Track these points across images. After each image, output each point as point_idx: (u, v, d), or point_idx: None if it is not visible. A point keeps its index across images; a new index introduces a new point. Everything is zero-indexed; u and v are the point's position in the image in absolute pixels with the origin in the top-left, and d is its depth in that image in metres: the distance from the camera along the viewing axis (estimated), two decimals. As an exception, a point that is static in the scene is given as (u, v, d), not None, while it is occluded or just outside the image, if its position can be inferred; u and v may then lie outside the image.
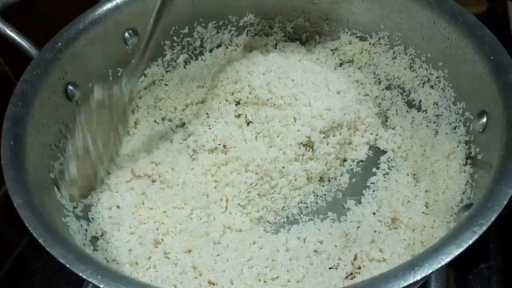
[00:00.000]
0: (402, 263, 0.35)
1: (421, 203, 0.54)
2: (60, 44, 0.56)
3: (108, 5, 0.61)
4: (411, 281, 0.33)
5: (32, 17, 0.59)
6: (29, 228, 0.39)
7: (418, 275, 0.34)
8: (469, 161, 0.53)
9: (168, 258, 0.50)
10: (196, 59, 0.72)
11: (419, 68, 0.63)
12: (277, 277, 0.48)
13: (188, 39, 0.70)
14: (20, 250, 0.62)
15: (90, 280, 0.35)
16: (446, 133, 0.58)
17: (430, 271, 0.34)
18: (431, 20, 0.58)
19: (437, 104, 0.61)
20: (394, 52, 0.66)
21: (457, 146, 0.55)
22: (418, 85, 0.63)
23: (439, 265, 0.34)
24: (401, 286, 0.33)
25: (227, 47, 0.73)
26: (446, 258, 0.35)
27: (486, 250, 0.57)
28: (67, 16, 0.58)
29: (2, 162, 0.44)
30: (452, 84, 0.58)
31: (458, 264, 0.55)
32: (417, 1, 0.59)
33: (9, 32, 0.53)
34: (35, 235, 0.38)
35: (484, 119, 0.51)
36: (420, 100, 0.63)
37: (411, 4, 0.60)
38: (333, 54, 0.71)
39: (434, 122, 0.61)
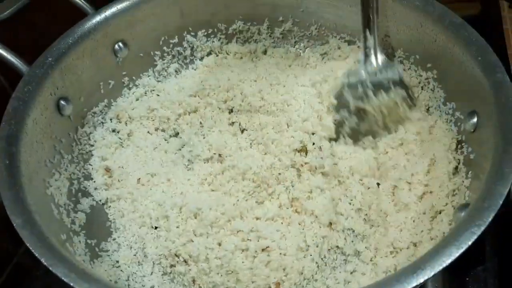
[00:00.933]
0: (404, 267, 0.36)
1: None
2: (50, 59, 0.56)
3: (97, 18, 0.61)
4: (414, 284, 0.34)
5: (22, 33, 0.58)
6: (30, 248, 0.39)
7: (421, 278, 0.34)
8: (462, 161, 0.54)
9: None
10: (187, 68, 0.72)
11: (408, 69, 0.64)
12: None
13: (178, 48, 0.71)
14: (19, 258, 0.62)
15: (95, 298, 0.35)
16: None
17: (433, 273, 0.35)
18: (418, 22, 0.59)
19: (427, 105, 0.62)
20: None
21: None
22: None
23: (441, 267, 0.35)
24: (405, 290, 0.34)
25: (217, 55, 0.73)
26: (447, 260, 0.35)
27: (482, 253, 0.57)
28: (57, 28, 0.58)
29: (-2, 182, 0.44)
30: (441, 85, 0.59)
31: (454, 267, 0.56)
32: (404, 4, 0.60)
33: (-2, 49, 0.52)
34: (37, 255, 0.38)
35: (475, 119, 0.52)
36: (411, 101, 0.64)
37: (397, 7, 0.61)
38: (323, 58, 0.72)
39: (425, 123, 0.61)
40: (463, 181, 0.52)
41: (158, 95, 0.69)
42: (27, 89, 0.52)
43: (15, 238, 0.62)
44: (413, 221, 0.53)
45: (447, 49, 0.56)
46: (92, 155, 0.62)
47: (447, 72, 0.58)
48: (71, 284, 0.36)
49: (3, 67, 0.57)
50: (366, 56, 0.62)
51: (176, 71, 0.71)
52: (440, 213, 0.53)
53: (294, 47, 0.73)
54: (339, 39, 0.70)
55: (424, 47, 0.60)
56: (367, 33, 0.61)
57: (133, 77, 0.68)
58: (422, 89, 0.63)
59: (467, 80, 0.53)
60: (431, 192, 0.55)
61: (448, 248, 0.36)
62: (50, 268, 0.37)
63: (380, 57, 0.62)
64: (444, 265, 0.35)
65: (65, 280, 0.36)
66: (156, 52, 0.69)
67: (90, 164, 0.61)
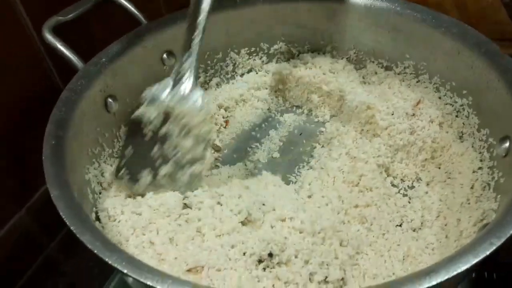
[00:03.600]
0: (419, 270, 0.36)
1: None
2: (104, 59, 0.60)
3: (150, 28, 0.66)
4: (426, 285, 0.34)
5: (82, 35, 0.64)
6: (63, 216, 0.41)
7: (434, 280, 0.34)
8: (492, 186, 0.53)
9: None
10: (228, 82, 0.76)
11: (443, 96, 0.64)
12: None
13: (221, 63, 0.75)
14: (49, 252, 0.65)
15: (115, 265, 0.37)
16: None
17: (446, 277, 0.34)
18: (455, 49, 0.60)
19: (461, 132, 0.62)
20: (419, 81, 0.67)
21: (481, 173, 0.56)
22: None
23: (455, 272, 0.34)
24: (416, 290, 0.33)
25: (257, 73, 0.76)
26: (463, 266, 0.35)
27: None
28: (113, 36, 0.63)
29: (43, 158, 0.47)
30: (476, 111, 0.59)
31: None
32: (442, 31, 0.62)
33: (59, 46, 0.57)
34: (67, 223, 0.40)
35: (507, 144, 0.51)
36: (445, 128, 0.64)
37: (435, 35, 0.62)
38: (359, 83, 0.73)
39: (458, 150, 0.61)
40: (491, 206, 0.50)
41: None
42: (80, 82, 0.57)
43: (47, 232, 0.65)
44: (439, 242, 0.53)
45: (483, 76, 0.57)
46: (130, 152, 0.65)
47: (482, 98, 0.58)
48: (95, 252, 0.38)
49: (58, 66, 0.63)
50: (175, 82, 0.56)
51: (217, 84, 0.75)
52: (466, 238, 0.52)
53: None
54: (376, 64, 0.72)
55: (460, 73, 0.61)
56: (185, 54, 0.55)
57: (176, 86, 0.72)
58: (456, 116, 0.63)
59: (501, 106, 0.53)
60: (458, 219, 0.54)
61: (465, 256, 0.36)
62: (78, 236, 0.39)
63: (187, 86, 0.55)
64: (459, 270, 0.34)
65: (89, 246, 0.38)
66: (201, 65, 0.73)
67: (127, 161, 0.64)
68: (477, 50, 0.58)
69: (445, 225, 0.55)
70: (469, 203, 0.55)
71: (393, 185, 0.61)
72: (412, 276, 0.35)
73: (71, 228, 0.40)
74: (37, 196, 0.65)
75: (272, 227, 0.52)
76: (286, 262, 0.49)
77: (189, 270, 0.47)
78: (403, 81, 0.69)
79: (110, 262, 0.37)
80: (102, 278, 0.63)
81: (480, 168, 0.57)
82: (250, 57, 0.76)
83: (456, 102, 0.62)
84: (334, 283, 0.49)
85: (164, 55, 0.69)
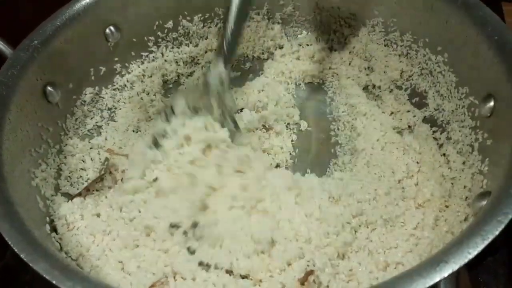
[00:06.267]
0: (426, 259, 0.32)
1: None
2: (36, 42, 0.52)
3: (88, -1, 0.57)
4: (437, 279, 0.31)
5: (4, 14, 0.54)
6: (9, 242, 0.35)
7: (445, 272, 0.31)
8: (477, 148, 0.50)
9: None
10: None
11: (416, 54, 0.60)
12: None
13: (173, 33, 0.67)
14: (6, 262, 0.58)
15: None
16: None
17: (457, 266, 0.31)
18: (428, 3, 0.56)
19: (439, 92, 0.59)
20: (390, 39, 0.63)
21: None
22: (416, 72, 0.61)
23: (466, 260, 0.31)
24: (427, 285, 0.30)
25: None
26: (472, 252, 0.32)
27: (492, 243, 0.55)
28: (44, 12, 0.54)
29: (-25, 171, 0.40)
30: (453, 68, 0.56)
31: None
32: (413, -16, 0.57)
33: (-22, 30, 0.48)
34: (16, 250, 0.34)
35: (491, 103, 0.48)
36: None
37: (406, -12, 0.58)
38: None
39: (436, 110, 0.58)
40: (479, 169, 0.48)
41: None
42: (11, 73, 0.49)
43: (1, 241, 0.58)
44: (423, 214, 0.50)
45: (460, 30, 0.53)
46: (82, 146, 0.58)
47: (459, 54, 0.54)
48: (53, 282, 0.32)
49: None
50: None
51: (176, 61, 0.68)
52: (447, 207, 0.50)
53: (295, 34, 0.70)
54: (341, 24, 0.67)
55: (435, 29, 0.57)
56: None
57: (126, 64, 0.64)
58: (431, 74, 0.59)
59: (482, 61, 0.50)
60: (440, 183, 0.52)
61: (473, 239, 0.33)
62: (31, 264, 0.33)
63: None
64: (470, 257, 0.31)
65: (46, 277, 0.33)
66: (150, 38, 0.65)
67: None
68: (453, 3, 0.53)
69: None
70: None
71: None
72: (420, 268, 0.32)
73: (21, 256, 0.34)
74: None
75: None
76: None
77: (152, 286, 0.42)
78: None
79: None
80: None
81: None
82: (205, 24, 0.68)
83: (430, 59, 0.59)
84: None
85: (108, 30, 0.60)
